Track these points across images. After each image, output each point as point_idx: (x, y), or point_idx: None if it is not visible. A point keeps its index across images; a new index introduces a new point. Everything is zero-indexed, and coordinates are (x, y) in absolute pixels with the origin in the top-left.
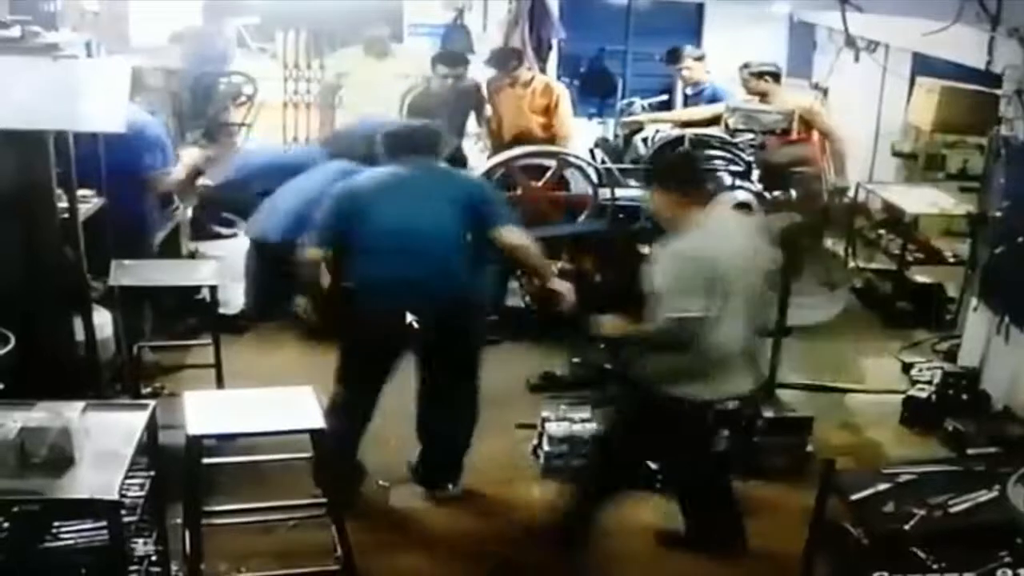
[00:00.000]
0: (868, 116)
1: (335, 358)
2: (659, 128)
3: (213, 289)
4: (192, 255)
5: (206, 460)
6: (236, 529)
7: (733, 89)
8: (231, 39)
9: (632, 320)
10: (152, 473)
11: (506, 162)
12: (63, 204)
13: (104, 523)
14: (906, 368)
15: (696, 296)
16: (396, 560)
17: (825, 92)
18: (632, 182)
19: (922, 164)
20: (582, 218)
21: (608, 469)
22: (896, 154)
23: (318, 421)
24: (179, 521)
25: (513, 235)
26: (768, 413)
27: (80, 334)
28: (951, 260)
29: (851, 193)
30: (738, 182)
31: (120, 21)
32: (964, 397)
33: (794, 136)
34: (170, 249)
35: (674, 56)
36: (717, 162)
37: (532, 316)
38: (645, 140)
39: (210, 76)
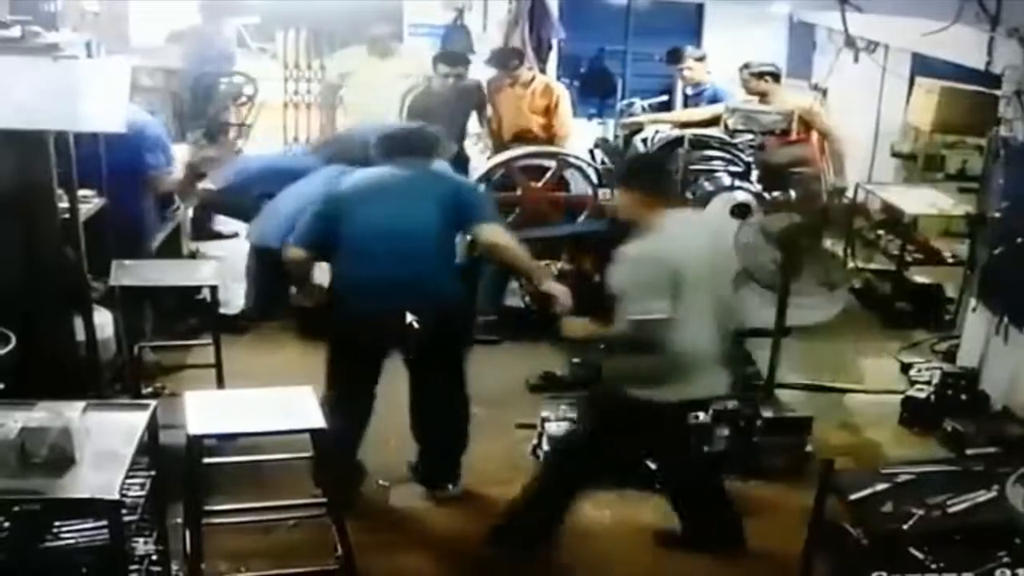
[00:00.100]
0: (867, 116)
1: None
2: (659, 129)
3: (213, 289)
4: (192, 255)
5: (206, 460)
6: (236, 529)
7: (733, 90)
8: (232, 39)
9: (601, 322)
10: (152, 473)
11: (506, 162)
12: (63, 204)
13: (104, 523)
14: (905, 368)
15: (657, 298)
16: (396, 560)
17: (824, 92)
18: None
19: (921, 165)
20: (582, 218)
21: (572, 469)
22: (895, 155)
23: (318, 421)
24: (179, 521)
25: (494, 234)
26: (767, 413)
27: (80, 334)
28: (950, 260)
29: (850, 193)
30: (737, 182)
31: (120, 21)
32: (963, 397)
33: (793, 136)
34: (170, 249)
35: (675, 56)
36: (716, 162)
37: (532, 316)
38: (645, 141)
39: (210, 76)
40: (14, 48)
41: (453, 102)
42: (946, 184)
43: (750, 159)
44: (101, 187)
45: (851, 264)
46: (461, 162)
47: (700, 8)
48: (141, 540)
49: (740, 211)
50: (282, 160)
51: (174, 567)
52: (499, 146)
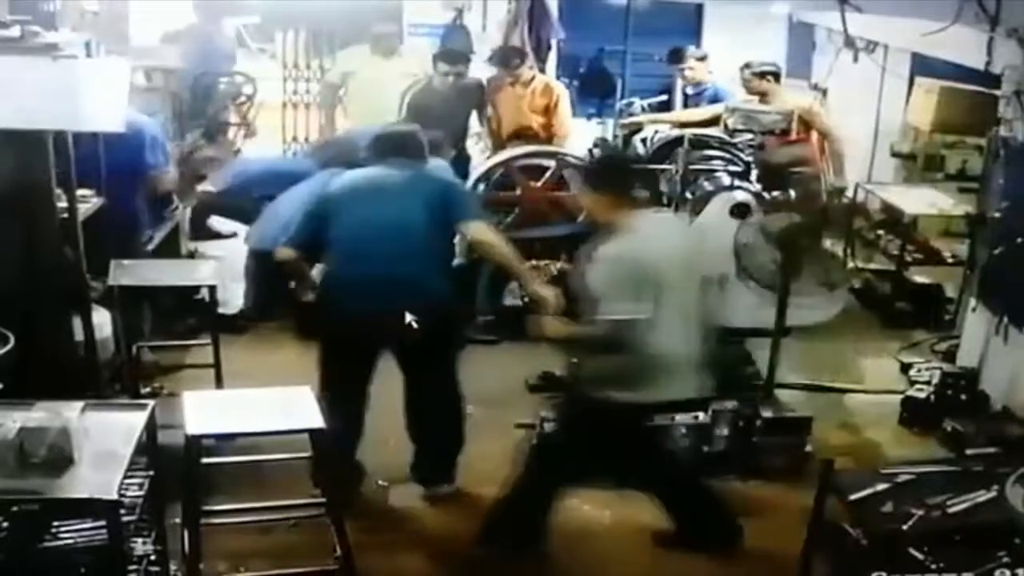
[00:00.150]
0: (867, 116)
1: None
2: (658, 129)
3: (212, 289)
4: (192, 255)
5: (205, 460)
6: (235, 529)
7: (734, 89)
8: (231, 38)
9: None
10: (151, 473)
11: (505, 162)
12: (63, 204)
13: (103, 523)
14: (905, 368)
15: (627, 299)
16: (395, 560)
17: (824, 92)
18: None
19: (921, 165)
20: (581, 218)
21: (549, 469)
22: (895, 154)
23: (317, 421)
24: (178, 521)
25: (480, 231)
26: (767, 413)
27: (79, 334)
28: (950, 260)
29: (850, 193)
30: (737, 182)
31: (120, 21)
32: (963, 397)
33: (793, 136)
34: (169, 249)
35: (676, 56)
36: (716, 162)
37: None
38: (644, 141)
39: (210, 76)
40: (14, 48)
41: (453, 100)
42: (946, 184)
43: (750, 159)
44: (100, 187)
45: (851, 264)
46: (462, 161)
47: (699, 8)
48: (140, 540)
49: (740, 211)
50: (282, 163)
51: (173, 567)
52: (498, 144)
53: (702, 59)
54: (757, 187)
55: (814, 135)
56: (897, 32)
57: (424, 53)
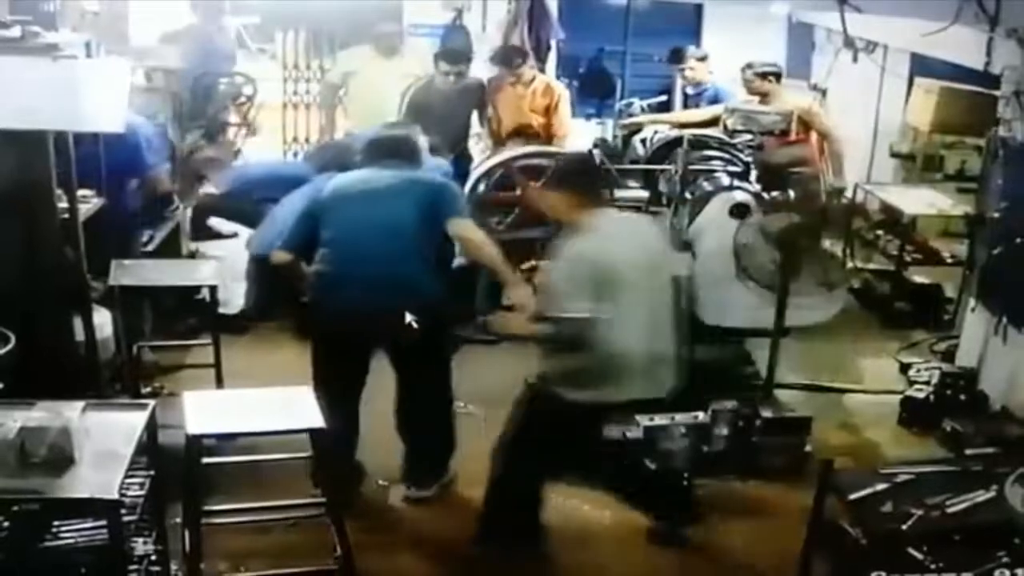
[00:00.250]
0: (866, 117)
1: None
2: (657, 129)
3: (213, 289)
4: (192, 255)
5: (206, 460)
6: (235, 529)
7: (734, 90)
8: (232, 38)
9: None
10: (152, 473)
11: (505, 162)
12: (63, 204)
13: (104, 522)
14: (904, 368)
15: (583, 297)
16: (395, 560)
17: (824, 93)
18: (631, 183)
19: (920, 165)
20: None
21: (518, 469)
22: (894, 155)
23: (317, 421)
24: (178, 520)
25: (465, 228)
26: (766, 413)
27: (80, 334)
28: (949, 261)
29: (849, 194)
30: (736, 183)
31: (120, 21)
32: (962, 397)
33: (792, 137)
34: (170, 249)
35: (677, 56)
36: (715, 163)
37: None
38: (644, 141)
39: (210, 76)
40: (14, 48)
41: (454, 100)
42: (945, 184)
43: (749, 159)
44: (101, 187)
45: (850, 264)
46: (464, 161)
47: (699, 8)
48: (140, 540)
49: (739, 211)
50: (282, 166)
51: (173, 567)
52: (498, 143)
53: (702, 59)
54: (756, 187)
55: (813, 135)
56: (896, 32)
57: (425, 53)
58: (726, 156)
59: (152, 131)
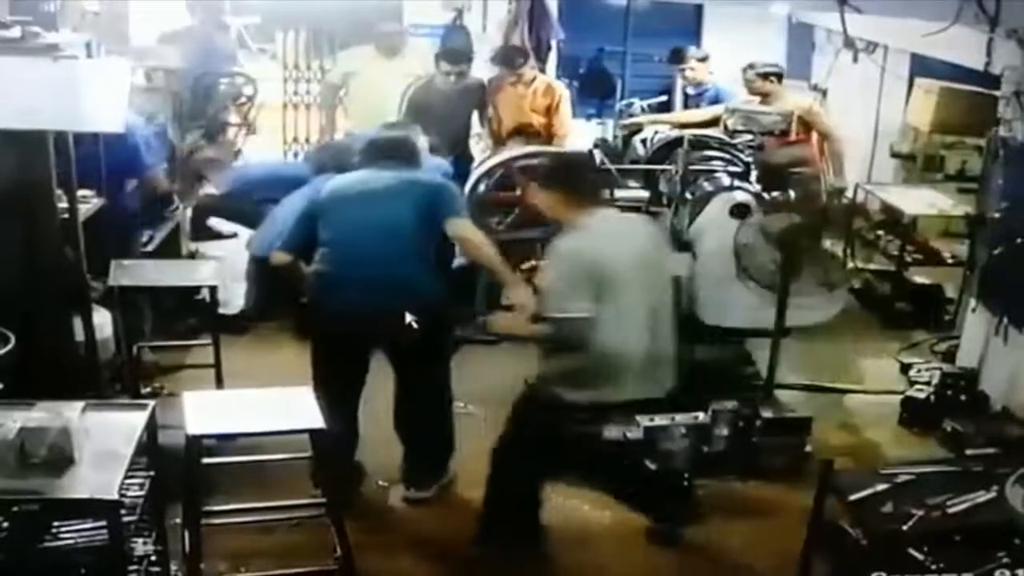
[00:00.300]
0: (867, 117)
1: None
2: (658, 129)
3: (213, 289)
4: (192, 255)
5: (206, 460)
6: (235, 529)
7: (735, 90)
8: (232, 38)
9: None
10: (152, 473)
11: (505, 162)
12: (63, 204)
13: (104, 523)
14: (905, 369)
15: (577, 296)
16: (395, 560)
17: (824, 93)
18: (631, 183)
19: (920, 165)
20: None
21: (509, 468)
22: (895, 155)
23: (317, 421)
24: (178, 521)
25: (463, 228)
26: (767, 413)
27: (80, 334)
28: (950, 261)
29: (850, 194)
30: (737, 183)
31: (120, 21)
32: (963, 398)
33: (793, 137)
34: (170, 249)
35: (678, 56)
36: (715, 163)
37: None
38: (644, 141)
39: (210, 76)
40: (14, 48)
41: (455, 100)
42: (945, 184)
43: (749, 159)
44: (101, 187)
45: (850, 264)
46: (465, 161)
47: (699, 9)
48: (140, 540)
49: (739, 211)
50: (283, 166)
51: (173, 567)
52: (499, 143)
53: (703, 59)
54: (757, 187)
55: (814, 136)
56: (897, 33)
57: (426, 53)
58: (726, 156)
59: (150, 131)
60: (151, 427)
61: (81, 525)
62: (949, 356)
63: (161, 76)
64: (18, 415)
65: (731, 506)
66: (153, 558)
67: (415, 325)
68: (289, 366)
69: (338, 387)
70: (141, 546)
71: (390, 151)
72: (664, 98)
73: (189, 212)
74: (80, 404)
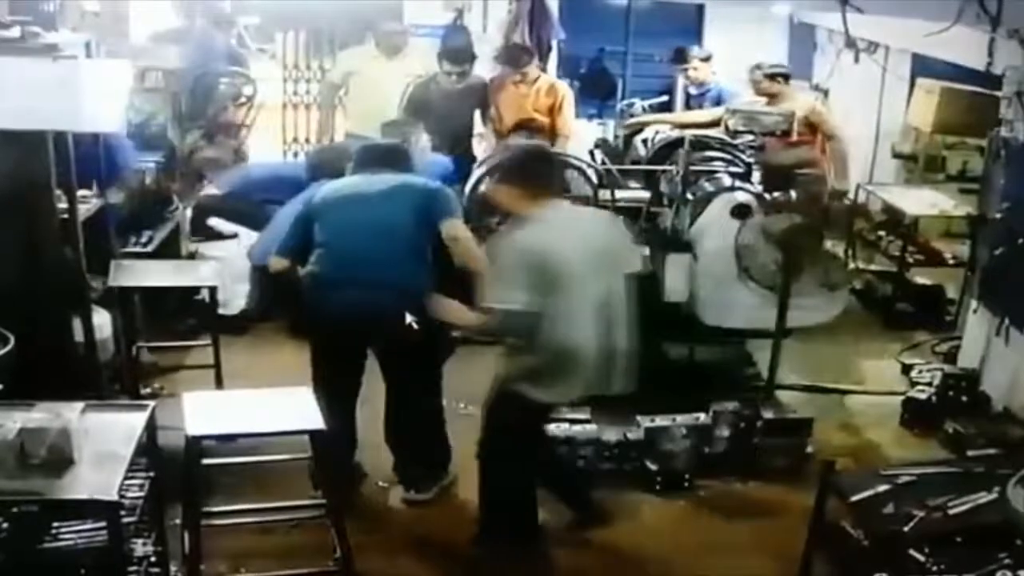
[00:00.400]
0: (868, 117)
1: None
2: (659, 129)
3: (213, 290)
4: (191, 256)
5: (205, 461)
6: (235, 530)
7: (737, 90)
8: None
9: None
10: (151, 474)
11: None
12: (63, 204)
13: (103, 523)
14: (906, 369)
15: (521, 290)
16: (395, 561)
17: (825, 93)
18: (632, 183)
19: (922, 165)
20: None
21: (498, 469)
22: (896, 155)
23: (317, 422)
24: (178, 522)
25: (455, 228)
26: (768, 414)
27: (79, 334)
28: (951, 262)
29: (851, 194)
30: (738, 183)
31: (120, 21)
32: (964, 399)
33: (795, 138)
34: (170, 249)
35: (680, 56)
36: (717, 163)
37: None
38: (645, 141)
39: (210, 77)
40: (14, 48)
41: (457, 100)
42: (947, 185)
43: (751, 160)
44: (100, 187)
45: (852, 265)
46: (468, 160)
47: (700, 9)
48: (140, 541)
49: (740, 212)
50: (283, 167)
51: (173, 568)
52: (501, 140)
53: (706, 59)
54: (758, 188)
55: (817, 136)
56: (898, 33)
57: (427, 52)
58: (728, 157)
59: (122, 135)
60: (151, 428)
61: (81, 526)
62: (950, 357)
63: (160, 76)
64: (18, 415)
65: (732, 507)
66: (153, 559)
67: (415, 326)
68: (289, 366)
69: (336, 388)
70: (141, 547)
71: (383, 158)
72: (665, 98)
73: (189, 212)
74: (80, 405)
